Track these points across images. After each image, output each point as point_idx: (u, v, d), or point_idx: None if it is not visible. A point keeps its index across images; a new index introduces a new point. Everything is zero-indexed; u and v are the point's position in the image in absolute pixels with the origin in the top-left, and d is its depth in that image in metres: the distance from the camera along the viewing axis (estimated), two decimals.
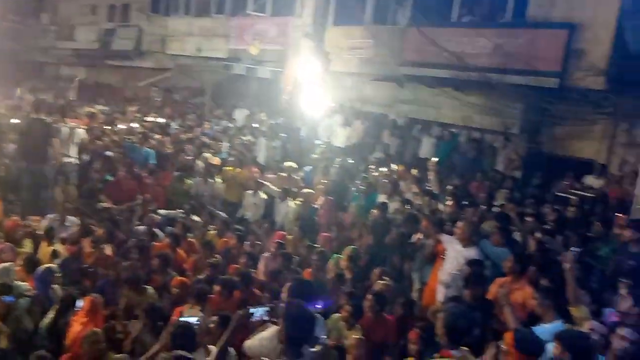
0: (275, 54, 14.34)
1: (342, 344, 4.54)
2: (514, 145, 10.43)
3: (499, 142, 10.79)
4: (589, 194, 8.24)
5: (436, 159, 9.47)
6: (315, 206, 8.67)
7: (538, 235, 6.02)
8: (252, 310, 3.28)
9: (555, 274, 4.49)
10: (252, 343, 3.34)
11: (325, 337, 4.24)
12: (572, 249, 4.03)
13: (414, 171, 9.01)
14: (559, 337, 3.22)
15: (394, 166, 9.92)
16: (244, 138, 12.33)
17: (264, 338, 3.33)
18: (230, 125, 14.25)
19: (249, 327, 3.52)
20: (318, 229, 7.80)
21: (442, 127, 11.50)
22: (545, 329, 3.78)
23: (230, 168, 9.89)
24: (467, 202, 7.47)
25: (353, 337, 4.53)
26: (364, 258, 6.74)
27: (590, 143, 9.83)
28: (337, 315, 5.05)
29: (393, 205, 7.94)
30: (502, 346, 3.32)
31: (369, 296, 5.13)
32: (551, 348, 3.33)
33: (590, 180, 9.09)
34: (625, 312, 4.10)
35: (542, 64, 9.19)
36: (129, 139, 11.23)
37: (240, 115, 15.13)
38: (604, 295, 5.15)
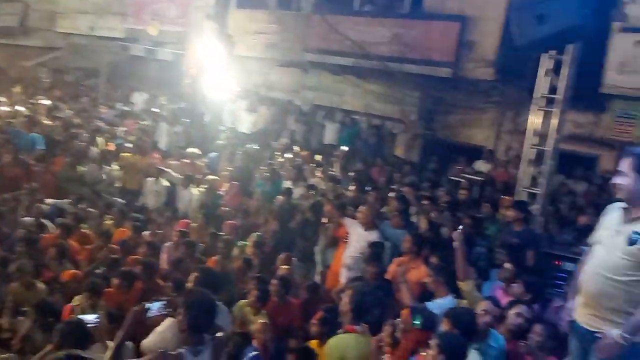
0: (176, 35, 13.81)
1: (247, 330, 4.55)
2: (412, 131, 10.93)
3: (398, 128, 11.24)
4: (478, 178, 8.83)
5: (345, 148, 9.75)
6: (220, 193, 8.54)
7: (431, 215, 6.36)
8: (148, 305, 3.17)
9: (446, 252, 4.78)
10: (149, 341, 3.25)
11: (229, 324, 4.22)
12: (460, 227, 4.30)
13: (318, 157, 9.15)
14: (447, 315, 3.42)
15: (299, 151, 10.01)
16: (144, 123, 11.80)
17: (159, 332, 3.25)
18: (128, 109, 13.56)
19: (146, 323, 3.41)
20: (223, 216, 7.70)
21: (344, 114, 11.75)
22: (437, 304, 4.02)
23: (129, 154, 9.44)
24: (368, 187, 7.73)
25: (259, 322, 4.55)
26: (269, 244, 6.78)
27: (480, 130, 10.53)
28: (243, 301, 5.04)
29: (298, 191, 8.02)
30: (399, 323, 3.49)
31: (274, 281, 5.17)
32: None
33: (480, 165, 9.74)
34: (517, 295, 4.41)
35: (436, 54, 9.64)
36: (13, 123, 10.32)
37: (139, 98, 14.44)
38: (489, 270, 5.60)
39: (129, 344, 3.52)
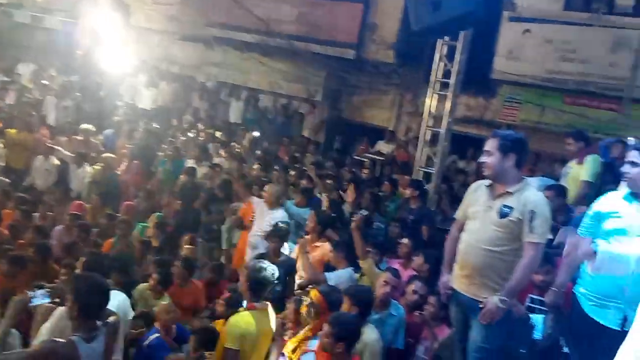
0: (66, 2, 12.80)
1: (149, 313, 4.42)
2: (318, 111, 11.06)
3: (304, 108, 11.31)
4: (380, 158, 9.16)
5: (255, 132, 9.64)
6: (117, 172, 8.12)
7: (333, 194, 6.51)
8: (31, 294, 2.98)
9: (347, 229, 4.94)
10: (40, 340, 3.07)
11: (128, 308, 4.08)
12: (361, 212, 4.45)
13: (223, 135, 8.98)
14: (347, 293, 3.56)
15: (202, 129, 9.76)
16: (30, 96, 10.87)
17: (48, 327, 3.08)
18: (8, 79, 12.38)
19: (30, 311, 3.21)
20: (121, 196, 7.35)
21: (250, 92, 11.61)
22: (336, 274, 4.19)
23: (14, 131, 8.66)
24: (274, 166, 7.74)
25: (161, 304, 4.44)
26: (171, 224, 6.59)
27: (382, 111, 10.89)
28: (143, 285, 4.88)
29: (202, 170, 7.85)
30: (307, 300, 3.56)
31: (177, 263, 5.05)
32: None
33: (382, 145, 10.09)
34: (418, 270, 4.66)
35: (340, 35, 9.78)
36: None
37: (25, 70, 13.23)
38: (389, 246, 5.86)
39: (15, 332, 3.31)
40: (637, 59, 6.94)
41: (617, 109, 7.50)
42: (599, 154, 5.24)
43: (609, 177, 4.78)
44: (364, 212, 4.53)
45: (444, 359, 3.47)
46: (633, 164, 2.70)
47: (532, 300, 3.67)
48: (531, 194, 2.86)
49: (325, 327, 2.96)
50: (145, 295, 4.80)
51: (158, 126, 9.97)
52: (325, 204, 6.22)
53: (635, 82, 7.05)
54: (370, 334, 3.50)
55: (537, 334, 3.39)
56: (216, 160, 8.28)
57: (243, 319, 3.16)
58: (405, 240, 5.14)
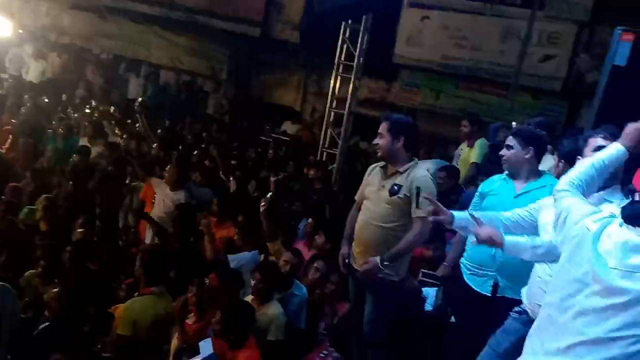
0: None
1: (39, 301, 4.16)
2: (223, 90, 10.83)
3: (209, 86, 11.02)
4: (286, 138, 9.19)
5: (147, 103, 9.20)
6: (1, 150, 7.46)
7: (238, 175, 6.46)
8: None
9: (253, 210, 4.92)
10: None
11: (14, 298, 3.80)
12: (268, 195, 4.47)
13: (119, 112, 8.54)
14: (257, 269, 3.60)
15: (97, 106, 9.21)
16: None
17: None
18: None
19: None
20: (6, 177, 6.75)
21: (150, 67, 11.08)
22: (239, 256, 4.19)
23: None
24: (176, 146, 7.49)
25: (52, 291, 4.19)
26: (63, 207, 6.18)
27: (288, 92, 10.87)
28: (31, 272, 4.57)
29: (96, 149, 7.41)
30: (209, 286, 3.53)
31: (69, 247, 4.77)
32: None
33: (288, 125, 10.12)
34: (319, 249, 4.74)
35: (246, 12, 9.59)
36: None
37: None
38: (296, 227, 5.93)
39: None
40: (523, 48, 7.47)
41: (505, 94, 8.05)
42: (488, 137, 5.64)
43: (495, 159, 5.16)
44: (269, 197, 4.54)
45: (343, 334, 3.61)
46: (508, 147, 2.94)
47: (424, 274, 3.91)
48: (418, 173, 3.05)
49: (217, 315, 2.98)
50: (33, 283, 4.50)
51: (47, 100, 9.25)
52: (232, 187, 6.15)
53: (521, 69, 7.59)
54: (274, 309, 3.59)
55: (428, 306, 3.62)
56: (113, 139, 7.86)
57: (137, 305, 3.08)
58: (310, 220, 5.23)
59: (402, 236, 3.04)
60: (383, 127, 3.12)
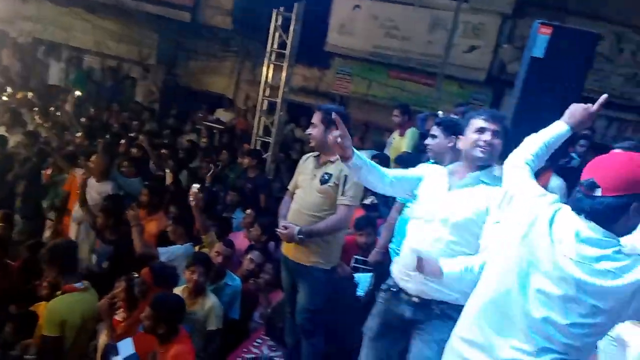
0: None
1: None
2: (152, 76, 10.47)
3: (137, 72, 10.62)
4: (219, 126, 9.03)
5: (77, 92, 8.75)
6: None
7: (171, 164, 6.30)
8: None
9: (185, 201, 4.82)
10: None
11: None
12: (193, 185, 4.37)
13: (39, 99, 8.06)
14: (193, 259, 3.55)
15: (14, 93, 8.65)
16: None
17: None
18: None
19: None
20: None
21: (73, 52, 10.53)
22: (172, 249, 4.11)
23: None
24: (102, 134, 7.19)
25: None
26: None
27: (221, 79, 10.69)
28: None
29: (14, 139, 6.98)
30: (139, 282, 3.43)
31: None
32: None
33: (221, 113, 9.95)
34: (255, 239, 4.70)
35: None
36: None
37: None
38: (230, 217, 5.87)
39: None
40: (450, 39, 7.72)
41: (433, 84, 8.31)
42: (417, 127, 5.80)
43: (423, 148, 5.34)
44: (197, 185, 4.44)
45: (277, 322, 3.63)
46: (433, 136, 3.05)
47: (357, 261, 3.99)
48: None
49: (147, 310, 2.91)
50: None
51: None
52: (169, 178, 6.00)
53: (448, 60, 7.86)
54: (211, 299, 3.57)
55: (360, 291, 3.71)
56: (31, 127, 7.42)
57: (64, 303, 2.94)
58: (248, 211, 5.18)
59: None
60: (316, 117, 3.15)
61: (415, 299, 2.35)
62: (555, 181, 4.06)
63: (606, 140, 7.35)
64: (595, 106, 2.11)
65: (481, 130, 2.29)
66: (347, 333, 2.60)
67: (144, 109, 9.51)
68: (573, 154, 4.77)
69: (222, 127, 8.94)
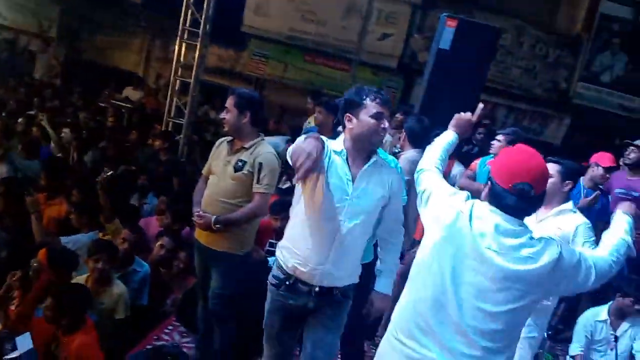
0: None
1: None
2: (54, 50, 9.78)
3: (36, 45, 9.86)
4: (128, 105, 8.63)
5: None
6: None
7: (74, 145, 5.96)
8: None
9: (90, 186, 4.59)
10: None
11: None
12: (104, 170, 4.18)
13: None
14: (96, 251, 3.41)
15: None
16: None
17: None
18: None
19: None
20: None
21: None
22: (75, 238, 3.93)
23: None
24: None
25: None
26: None
27: (129, 55, 10.19)
28: None
29: None
30: (34, 263, 3.25)
31: None
32: None
33: (130, 91, 9.49)
34: (166, 226, 4.56)
35: None
36: None
37: None
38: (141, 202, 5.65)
39: None
40: (364, 25, 7.88)
41: (348, 69, 8.45)
42: None
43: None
44: (108, 171, 4.24)
45: (188, 308, 3.59)
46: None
47: (271, 245, 4.01)
48: (262, 149, 3.07)
49: (48, 300, 2.78)
50: None
51: None
52: (73, 158, 5.66)
53: (362, 46, 8.02)
54: (118, 287, 3.48)
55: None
56: None
57: None
58: (162, 198, 5.02)
59: None
60: (230, 102, 3.09)
61: (316, 289, 2.35)
62: (457, 167, 4.31)
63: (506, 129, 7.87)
64: (475, 117, 2.37)
65: (378, 116, 2.27)
66: (261, 318, 2.60)
67: (44, 85, 8.88)
68: (474, 142, 5.08)
69: (131, 107, 8.55)
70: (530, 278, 1.82)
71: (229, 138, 3.19)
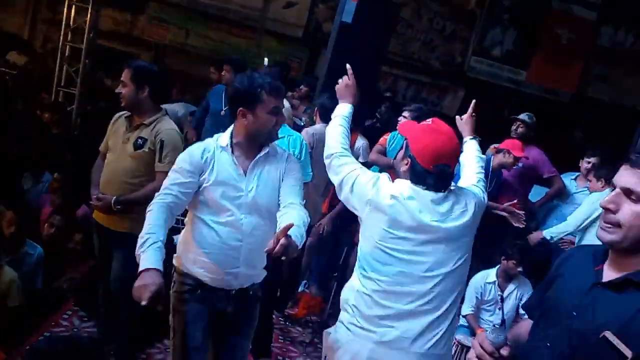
0: None
1: None
2: None
3: None
4: (11, 71, 7.90)
5: None
6: None
7: None
8: None
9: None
10: None
11: None
12: None
13: None
14: None
15: None
16: None
17: None
18: None
19: None
20: None
21: None
22: None
23: None
24: None
25: None
26: None
27: (12, 15, 9.25)
28: None
29: None
30: None
31: None
32: None
33: (14, 55, 8.68)
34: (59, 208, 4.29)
35: None
36: None
37: None
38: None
39: None
40: None
41: (253, 38, 8.27)
42: None
43: None
44: None
45: (89, 292, 3.45)
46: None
47: (178, 222, 3.92)
48: (164, 125, 2.94)
49: None
50: None
51: None
52: None
53: (267, 14, 7.86)
54: (8, 273, 3.31)
55: None
56: None
57: None
58: (56, 175, 4.71)
59: None
60: (126, 75, 2.90)
61: (233, 292, 2.28)
62: (361, 141, 4.44)
63: (406, 100, 8.17)
64: (350, 79, 2.41)
65: (276, 111, 2.18)
66: (164, 300, 2.54)
67: None
68: (378, 115, 5.24)
69: (15, 72, 7.84)
70: (468, 227, 2.07)
71: (127, 113, 3.03)
